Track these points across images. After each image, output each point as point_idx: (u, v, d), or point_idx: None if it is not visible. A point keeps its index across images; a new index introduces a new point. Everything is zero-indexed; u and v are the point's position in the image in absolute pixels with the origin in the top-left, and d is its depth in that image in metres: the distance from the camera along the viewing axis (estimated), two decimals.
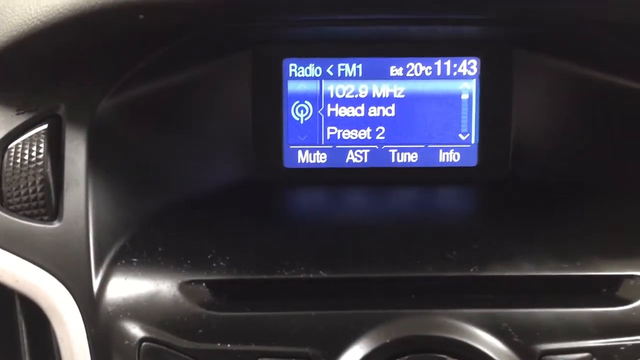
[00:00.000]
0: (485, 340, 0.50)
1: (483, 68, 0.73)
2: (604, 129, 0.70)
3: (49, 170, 0.57)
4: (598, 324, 0.52)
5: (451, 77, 0.73)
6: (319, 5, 0.54)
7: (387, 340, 0.50)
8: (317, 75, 0.73)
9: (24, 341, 0.56)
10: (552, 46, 0.70)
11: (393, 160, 0.74)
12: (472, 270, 0.55)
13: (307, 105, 0.73)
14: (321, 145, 0.74)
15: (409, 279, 0.55)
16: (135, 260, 0.56)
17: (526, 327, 0.51)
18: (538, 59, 0.71)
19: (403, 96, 0.73)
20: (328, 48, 0.72)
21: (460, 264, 0.56)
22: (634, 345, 0.51)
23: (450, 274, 0.55)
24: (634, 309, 0.53)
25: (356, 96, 0.73)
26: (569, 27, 0.64)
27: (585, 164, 0.70)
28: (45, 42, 0.57)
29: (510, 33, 0.71)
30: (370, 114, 0.73)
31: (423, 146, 0.74)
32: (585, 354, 0.51)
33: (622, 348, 0.51)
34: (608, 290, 0.55)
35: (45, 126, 0.59)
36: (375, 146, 0.74)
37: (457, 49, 0.72)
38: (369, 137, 0.74)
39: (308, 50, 0.72)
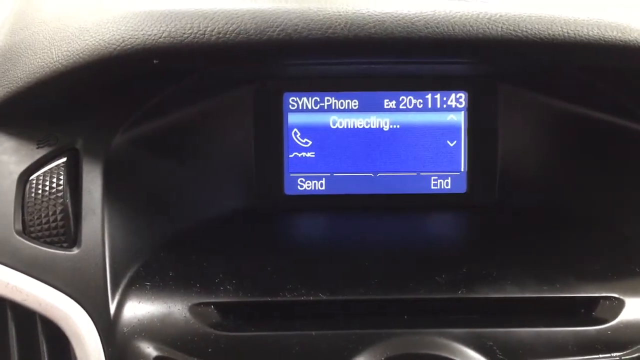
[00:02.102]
0: (473, 358, 0.54)
1: (471, 101, 0.76)
2: (584, 160, 0.73)
3: (68, 200, 0.61)
4: (577, 342, 0.56)
5: (441, 110, 0.77)
6: (322, 54, 0.58)
7: (382, 358, 0.54)
8: (316, 108, 0.77)
9: None
10: (534, 82, 0.74)
11: (388, 187, 0.78)
12: (460, 292, 0.59)
13: (306, 136, 0.77)
14: (320, 173, 0.78)
15: (402, 300, 0.59)
16: (148, 284, 0.60)
17: (510, 345, 0.55)
18: (521, 93, 0.75)
19: (396, 127, 0.77)
20: (326, 83, 0.76)
21: (449, 287, 0.59)
22: None
23: (439, 296, 0.59)
24: (610, 327, 0.57)
25: (352, 127, 0.77)
26: (547, 67, 0.68)
27: (566, 192, 0.74)
28: (65, 83, 0.61)
29: (494, 69, 0.75)
30: (365, 144, 0.77)
31: (415, 174, 0.78)
32: None
33: None
34: (586, 311, 0.59)
35: (64, 159, 0.63)
36: (371, 174, 0.78)
37: (446, 83, 0.76)
38: (365, 166, 0.78)
39: (307, 85, 0.76)
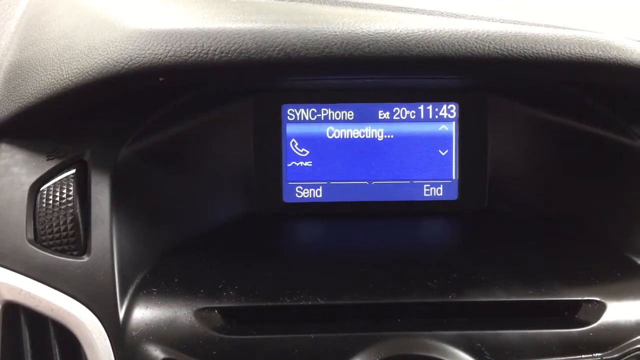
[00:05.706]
0: (462, 359, 0.57)
1: (461, 112, 0.79)
2: (570, 169, 0.76)
3: (77, 210, 0.63)
4: (560, 344, 0.59)
5: (433, 120, 0.80)
6: (319, 71, 0.61)
7: (377, 359, 0.57)
8: (313, 119, 0.80)
9: None
10: (522, 94, 0.77)
11: (382, 195, 0.81)
12: (450, 296, 0.62)
13: (304, 146, 0.80)
14: (317, 181, 0.81)
15: (395, 304, 0.62)
16: (155, 290, 0.62)
17: (497, 347, 0.58)
18: (510, 104, 0.78)
19: (390, 137, 0.80)
20: (322, 95, 0.79)
21: (440, 291, 0.62)
22: None
23: (431, 300, 0.62)
24: (592, 329, 0.60)
25: (348, 137, 0.80)
26: (533, 82, 0.71)
27: (552, 199, 0.77)
28: (74, 99, 0.64)
29: (484, 82, 0.78)
30: (361, 154, 0.80)
31: (409, 182, 0.81)
32: None
33: None
34: (569, 314, 0.62)
35: (73, 170, 0.65)
36: (366, 182, 0.81)
37: (437, 95, 0.79)
38: (360, 175, 0.81)
39: (304, 97, 0.79)
